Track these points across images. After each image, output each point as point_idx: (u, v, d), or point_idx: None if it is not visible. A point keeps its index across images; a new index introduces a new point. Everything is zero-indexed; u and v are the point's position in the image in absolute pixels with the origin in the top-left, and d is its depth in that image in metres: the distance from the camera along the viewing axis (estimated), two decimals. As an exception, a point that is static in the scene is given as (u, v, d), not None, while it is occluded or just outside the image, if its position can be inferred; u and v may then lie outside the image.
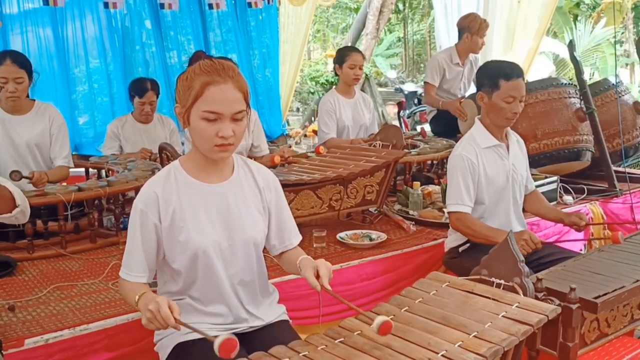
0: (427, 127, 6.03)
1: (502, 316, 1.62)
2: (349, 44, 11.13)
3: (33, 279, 2.53)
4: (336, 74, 4.32)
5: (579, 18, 13.92)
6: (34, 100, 3.32)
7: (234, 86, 1.66)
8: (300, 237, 1.96)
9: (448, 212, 2.66)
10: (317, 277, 1.68)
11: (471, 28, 4.66)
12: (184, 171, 1.78)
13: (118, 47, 5.61)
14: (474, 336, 1.53)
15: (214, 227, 1.76)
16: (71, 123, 5.33)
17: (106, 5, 5.25)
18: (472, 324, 1.59)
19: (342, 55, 4.18)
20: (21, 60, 3.10)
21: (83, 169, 4.07)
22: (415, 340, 1.55)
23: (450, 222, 2.66)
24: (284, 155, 3.50)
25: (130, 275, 1.73)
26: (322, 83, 10.84)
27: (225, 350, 1.43)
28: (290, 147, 4.50)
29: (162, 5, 5.57)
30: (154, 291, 1.81)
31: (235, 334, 1.82)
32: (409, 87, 10.59)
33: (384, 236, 2.95)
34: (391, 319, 1.69)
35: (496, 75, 2.55)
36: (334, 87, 4.51)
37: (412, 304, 1.76)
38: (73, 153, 4.97)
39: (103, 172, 3.67)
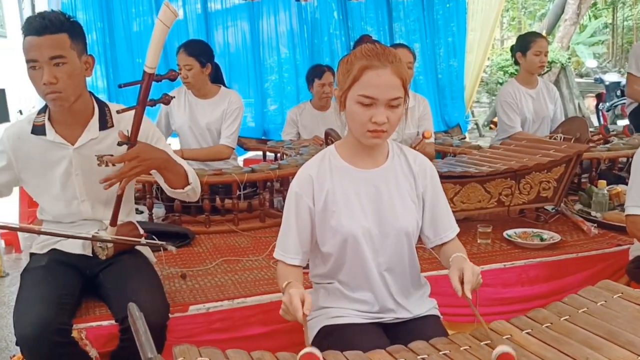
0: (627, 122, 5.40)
1: (683, 339, 1.39)
2: (544, 31, 10.40)
3: (206, 250, 2.73)
4: (516, 63, 4.02)
5: None
6: (220, 86, 3.57)
7: (392, 72, 1.62)
8: (457, 230, 1.84)
9: (625, 215, 2.33)
10: (462, 281, 1.56)
11: None
12: (338, 155, 1.78)
13: (307, 38, 5.83)
14: (644, 358, 1.34)
15: (365, 213, 1.74)
16: (262, 110, 5.71)
17: (298, -2, 5.51)
18: (643, 345, 1.38)
19: (526, 42, 3.87)
20: (190, 49, 3.37)
21: (261, 152, 4.34)
22: (571, 353, 1.39)
23: (627, 227, 2.33)
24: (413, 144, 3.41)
25: (285, 257, 1.77)
26: (510, 73, 10.23)
27: None
28: (464, 137, 4.30)
29: (350, -3, 5.69)
30: (305, 274, 1.85)
31: (381, 324, 1.81)
32: (610, 77, 9.50)
33: (557, 237, 2.68)
34: (547, 327, 1.55)
35: None
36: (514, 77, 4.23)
37: (575, 313, 1.59)
38: (261, 137, 5.36)
39: (278, 156, 3.85)
